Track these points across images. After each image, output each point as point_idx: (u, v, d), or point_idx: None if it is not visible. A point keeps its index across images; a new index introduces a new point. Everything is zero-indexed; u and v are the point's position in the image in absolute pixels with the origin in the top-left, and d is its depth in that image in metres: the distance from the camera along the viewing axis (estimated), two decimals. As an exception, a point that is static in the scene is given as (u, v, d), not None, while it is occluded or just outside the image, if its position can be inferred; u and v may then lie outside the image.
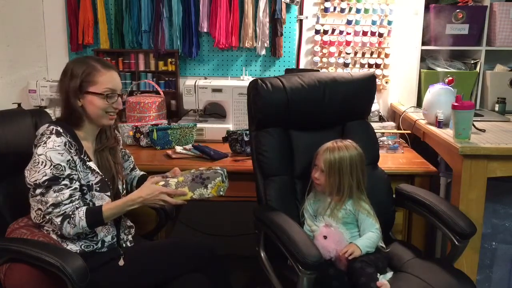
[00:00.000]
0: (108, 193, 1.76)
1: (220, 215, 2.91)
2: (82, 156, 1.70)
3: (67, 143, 1.65)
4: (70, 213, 1.63)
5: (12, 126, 1.88)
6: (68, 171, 1.63)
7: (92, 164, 1.73)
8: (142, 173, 2.03)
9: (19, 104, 2.65)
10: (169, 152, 2.36)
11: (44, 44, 2.91)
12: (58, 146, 1.62)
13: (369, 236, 1.77)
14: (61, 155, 1.62)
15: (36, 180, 1.61)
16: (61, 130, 1.66)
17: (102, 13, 2.83)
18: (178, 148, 2.38)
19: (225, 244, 2.59)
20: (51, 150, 1.61)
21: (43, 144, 1.62)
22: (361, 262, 1.68)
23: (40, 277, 1.53)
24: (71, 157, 1.65)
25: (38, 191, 1.62)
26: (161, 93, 2.78)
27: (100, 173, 1.74)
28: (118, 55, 2.89)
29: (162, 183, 1.77)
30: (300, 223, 1.88)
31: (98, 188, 1.73)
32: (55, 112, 2.71)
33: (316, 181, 1.84)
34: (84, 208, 1.66)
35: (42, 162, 1.61)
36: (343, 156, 1.79)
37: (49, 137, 1.63)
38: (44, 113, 2.01)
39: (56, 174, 1.61)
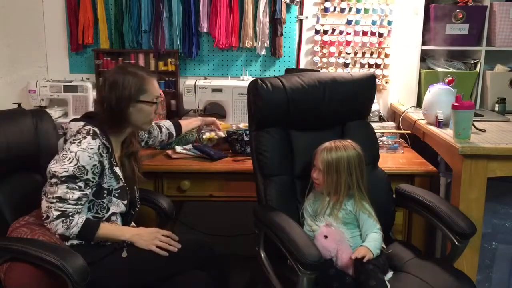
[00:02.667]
0: (125, 201, 1.79)
1: (220, 215, 2.91)
2: (111, 160, 1.73)
3: (100, 146, 1.68)
4: (70, 214, 1.64)
5: (13, 126, 1.87)
6: (89, 176, 1.66)
7: (118, 170, 1.77)
8: (169, 121, 2.23)
9: (19, 104, 2.65)
10: (169, 152, 2.36)
11: (44, 44, 2.91)
12: (91, 149, 1.65)
13: (374, 238, 1.77)
14: (90, 159, 1.65)
15: (56, 172, 1.63)
16: (98, 132, 1.69)
17: (102, 13, 2.83)
18: (178, 148, 2.38)
19: (225, 244, 2.59)
20: (83, 151, 1.64)
21: (78, 142, 1.66)
22: (373, 265, 1.68)
23: (41, 276, 1.53)
24: (101, 161, 1.68)
25: (53, 180, 1.65)
26: (161, 93, 2.78)
27: (123, 180, 1.78)
28: (118, 55, 2.89)
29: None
30: (300, 223, 1.88)
31: (116, 194, 1.76)
32: (55, 112, 2.72)
33: (315, 180, 1.85)
34: (84, 217, 1.68)
35: (70, 158, 1.64)
36: (341, 156, 1.79)
37: (85, 137, 1.66)
38: (45, 113, 2.01)
39: (77, 174, 1.64)
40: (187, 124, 2.36)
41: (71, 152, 1.64)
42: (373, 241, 1.75)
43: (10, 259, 1.58)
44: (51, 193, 1.64)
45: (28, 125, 1.91)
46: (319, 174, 1.82)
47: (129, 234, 1.76)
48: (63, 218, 1.64)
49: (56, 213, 1.63)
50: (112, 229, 1.75)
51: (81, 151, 1.64)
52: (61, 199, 1.63)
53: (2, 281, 1.59)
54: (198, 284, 1.72)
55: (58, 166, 1.64)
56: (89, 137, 1.67)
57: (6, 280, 1.57)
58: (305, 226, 1.86)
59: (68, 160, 1.63)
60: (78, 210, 1.66)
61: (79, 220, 1.66)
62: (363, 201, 1.82)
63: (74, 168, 1.63)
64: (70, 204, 1.64)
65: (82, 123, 1.72)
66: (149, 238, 1.75)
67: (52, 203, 1.64)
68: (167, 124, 2.25)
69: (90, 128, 1.69)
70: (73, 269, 1.46)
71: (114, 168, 1.75)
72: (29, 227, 1.69)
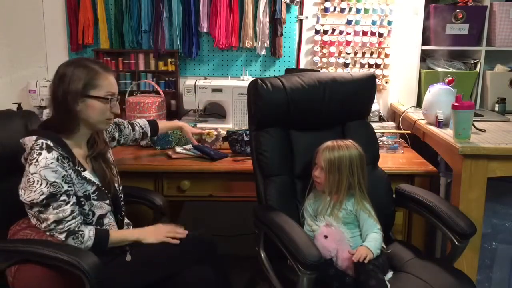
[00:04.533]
0: (107, 201, 1.74)
1: (220, 215, 2.91)
2: (76, 167, 1.65)
3: (59, 157, 1.58)
4: (76, 229, 1.61)
5: (6, 127, 1.85)
6: (65, 187, 1.59)
7: (87, 174, 1.68)
8: (145, 121, 2.13)
9: (19, 104, 2.65)
10: (169, 152, 2.36)
11: (44, 44, 2.91)
12: (51, 163, 1.56)
13: (374, 238, 1.77)
14: (55, 172, 1.57)
15: (32, 200, 1.56)
16: (51, 144, 1.59)
17: (102, 13, 2.83)
18: (178, 148, 2.38)
19: (225, 244, 2.59)
20: (45, 169, 1.55)
21: (35, 162, 1.56)
22: (373, 265, 1.68)
23: (50, 276, 1.53)
24: (66, 171, 1.60)
25: (35, 209, 1.58)
26: (161, 93, 2.78)
27: (96, 182, 1.71)
28: (118, 55, 2.89)
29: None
30: (300, 223, 1.88)
31: (96, 197, 1.70)
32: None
33: (316, 179, 1.85)
34: (93, 229, 1.65)
35: (38, 181, 1.55)
36: (343, 155, 1.79)
37: (40, 154, 1.56)
38: (33, 115, 1.97)
39: (53, 192, 1.56)
40: (166, 125, 2.31)
41: (32, 174, 1.55)
42: (373, 241, 1.75)
43: (17, 262, 1.56)
44: (45, 221, 1.57)
45: (19, 127, 1.88)
46: (320, 173, 1.82)
47: (137, 233, 1.77)
48: (72, 236, 1.60)
49: (62, 236, 1.59)
50: (121, 233, 1.76)
51: (43, 169, 1.55)
52: (58, 222, 1.58)
53: (10, 284, 1.57)
54: (200, 279, 1.73)
55: (32, 194, 1.55)
56: (44, 152, 1.56)
57: (15, 283, 1.55)
58: (305, 226, 1.87)
59: (37, 184, 1.55)
60: (80, 221, 1.63)
61: (90, 232, 1.63)
62: (364, 201, 1.82)
63: (48, 188, 1.55)
64: (69, 221, 1.59)
65: (34, 138, 1.60)
66: (156, 232, 1.77)
67: (51, 229, 1.58)
68: (141, 122, 2.16)
69: (42, 142, 1.58)
70: (88, 266, 1.46)
71: (82, 173, 1.67)
72: (32, 229, 1.66)
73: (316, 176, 1.84)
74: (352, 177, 1.80)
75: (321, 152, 1.83)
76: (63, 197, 1.59)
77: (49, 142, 1.59)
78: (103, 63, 1.78)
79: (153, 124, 2.21)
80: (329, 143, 1.84)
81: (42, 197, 1.55)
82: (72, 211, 1.60)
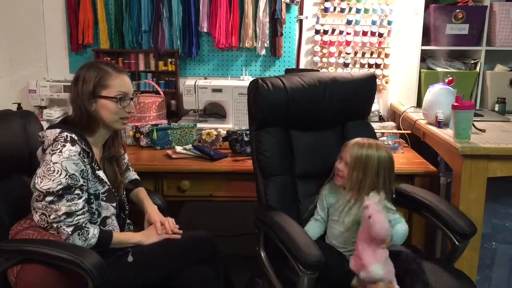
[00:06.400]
0: (114, 204, 1.76)
1: (220, 215, 2.91)
2: (93, 164, 1.69)
3: (81, 152, 1.63)
4: (83, 225, 1.62)
5: (4, 128, 1.84)
6: (81, 181, 1.62)
7: (101, 173, 1.72)
8: (134, 177, 2.03)
9: (19, 104, 2.65)
10: (169, 152, 2.36)
11: (44, 44, 2.91)
12: (74, 155, 1.60)
13: (396, 230, 1.72)
14: (76, 165, 1.60)
15: (49, 188, 1.57)
16: (75, 138, 1.63)
17: (102, 13, 2.83)
18: (178, 148, 2.38)
19: (225, 244, 2.59)
20: (67, 160, 1.58)
21: (59, 152, 1.59)
22: (417, 264, 1.66)
23: (54, 276, 1.52)
24: (84, 166, 1.64)
25: (48, 198, 1.58)
26: (161, 93, 2.78)
27: (108, 183, 1.74)
28: (118, 55, 2.89)
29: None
30: (301, 221, 1.86)
31: (104, 198, 1.73)
32: (57, 112, 2.72)
33: (338, 172, 1.82)
34: (98, 227, 1.67)
35: (58, 171, 1.58)
36: (372, 154, 1.75)
37: (64, 145, 1.60)
38: (31, 115, 1.97)
39: (71, 184, 1.59)
40: (142, 200, 1.97)
41: (54, 163, 1.57)
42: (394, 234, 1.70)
43: (20, 261, 1.56)
44: (55, 212, 1.59)
45: (17, 127, 1.87)
46: (344, 167, 1.79)
47: (138, 236, 1.79)
48: (79, 231, 1.61)
49: (69, 229, 1.60)
50: (123, 235, 1.78)
51: (65, 160, 1.58)
52: (69, 214, 1.59)
53: (12, 284, 1.56)
54: (201, 278, 1.74)
55: (49, 183, 1.57)
56: (68, 144, 1.60)
57: (19, 282, 1.54)
58: (315, 215, 1.86)
59: (57, 173, 1.57)
60: (87, 218, 1.64)
61: (94, 230, 1.64)
62: (386, 201, 1.76)
63: (66, 179, 1.57)
64: (78, 215, 1.61)
65: (58, 130, 1.65)
66: (155, 233, 1.80)
67: (60, 221, 1.59)
68: (132, 175, 2.03)
69: (67, 135, 1.62)
70: (92, 265, 1.46)
71: (97, 172, 1.70)
72: (35, 229, 1.66)
73: (339, 169, 1.80)
74: (377, 179, 1.75)
75: (349, 147, 1.79)
76: (78, 191, 1.62)
77: (73, 135, 1.64)
78: (116, 64, 1.81)
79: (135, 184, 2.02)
80: (359, 139, 1.80)
81: (60, 187, 1.58)
82: (83, 206, 1.63)
